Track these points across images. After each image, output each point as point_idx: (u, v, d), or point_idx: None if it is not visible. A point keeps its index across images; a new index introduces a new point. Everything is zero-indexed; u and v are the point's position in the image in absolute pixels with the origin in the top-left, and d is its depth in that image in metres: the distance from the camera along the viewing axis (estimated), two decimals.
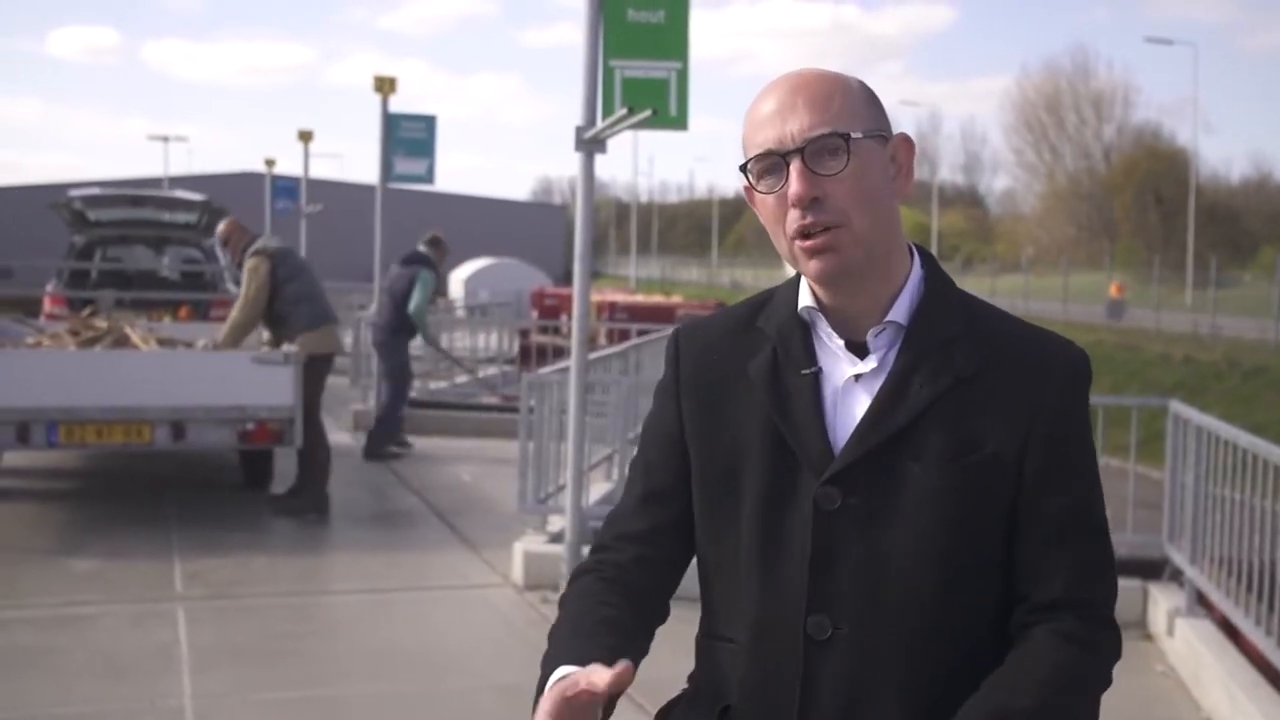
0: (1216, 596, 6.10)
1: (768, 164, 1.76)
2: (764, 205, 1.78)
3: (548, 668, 1.74)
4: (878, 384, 1.77)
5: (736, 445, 1.82)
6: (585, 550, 7.06)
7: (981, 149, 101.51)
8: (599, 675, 1.60)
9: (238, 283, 12.53)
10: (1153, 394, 17.74)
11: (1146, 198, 62.19)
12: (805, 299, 1.83)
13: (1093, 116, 67.31)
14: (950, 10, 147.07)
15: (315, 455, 8.94)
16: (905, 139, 1.82)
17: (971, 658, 1.74)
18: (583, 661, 1.68)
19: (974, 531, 1.75)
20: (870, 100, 1.80)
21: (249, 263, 8.85)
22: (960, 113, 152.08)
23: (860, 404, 1.78)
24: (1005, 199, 79.15)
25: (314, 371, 8.87)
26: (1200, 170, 58.01)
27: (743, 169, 1.79)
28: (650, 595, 1.89)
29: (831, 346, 1.81)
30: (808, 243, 1.74)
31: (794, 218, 1.74)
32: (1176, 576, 6.76)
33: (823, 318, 1.81)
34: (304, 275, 9.14)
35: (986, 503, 1.75)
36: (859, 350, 1.80)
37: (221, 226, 9.40)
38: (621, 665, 1.58)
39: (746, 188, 1.83)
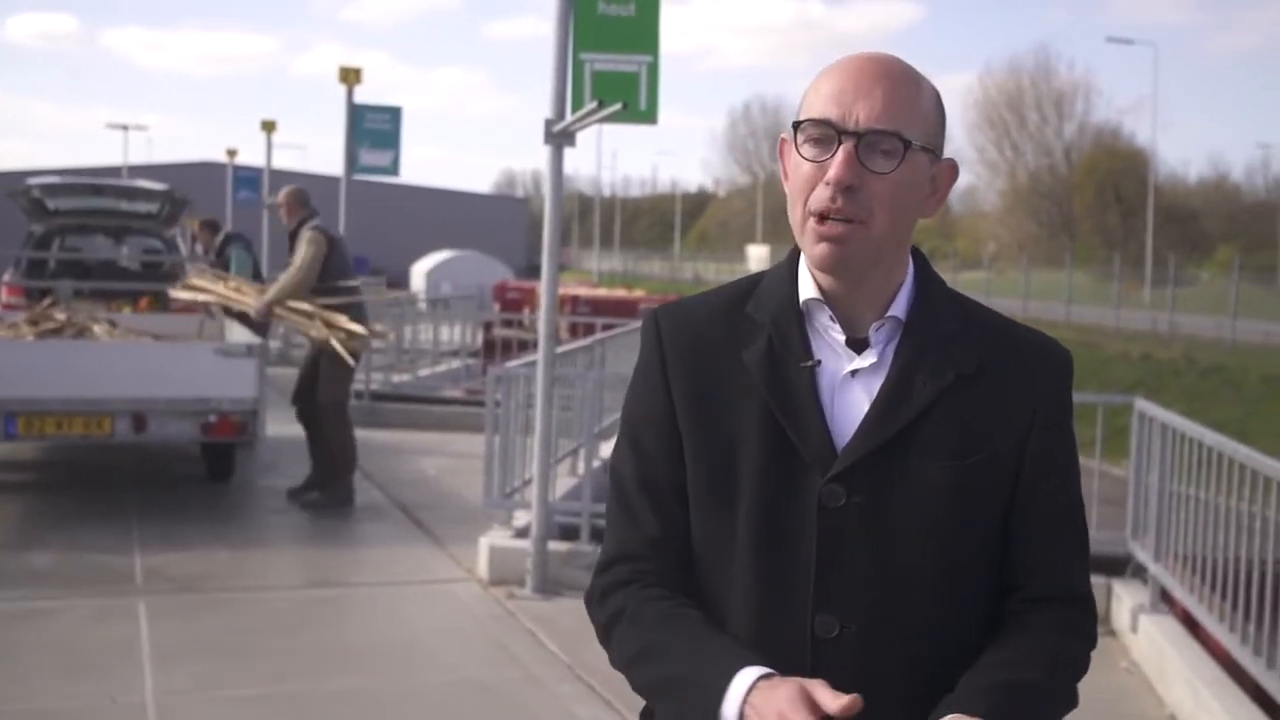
0: (1180, 593, 6.14)
1: (821, 133, 1.71)
2: (798, 170, 1.74)
3: (699, 667, 1.67)
4: (876, 380, 1.76)
5: (732, 435, 1.77)
6: (551, 545, 7.05)
7: (944, 146, 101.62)
8: (827, 696, 1.56)
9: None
10: (1112, 391, 17.88)
11: (1106, 196, 62.74)
12: (808, 290, 1.80)
13: (1054, 115, 67.75)
14: (915, 7, 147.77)
15: (344, 450, 8.96)
16: (952, 166, 1.81)
17: (970, 646, 1.75)
18: (742, 660, 1.65)
19: (976, 526, 1.76)
20: (940, 115, 1.78)
21: (308, 233, 8.78)
22: None
23: (858, 400, 1.76)
24: (967, 196, 79.35)
25: (347, 366, 8.91)
26: (1159, 170, 58.57)
27: (794, 126, 1.75)
28: (692, 593, 1.83)
29: (829, 340, 1.78)
30: (823, 227, 1.71)
31: (822, 196, 1.70)
32: (1140, 573, 6.80)
33: (824, 310, 1.79)
34: (350, 273, 9.26)
35: (988, 498, 1.76)
36: (854, 345, 1.78)
37: (283, 194, 9.18)
38: (852, 697, 1.55)
39: (783, 140, 1.79)
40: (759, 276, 1.89)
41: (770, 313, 1.80)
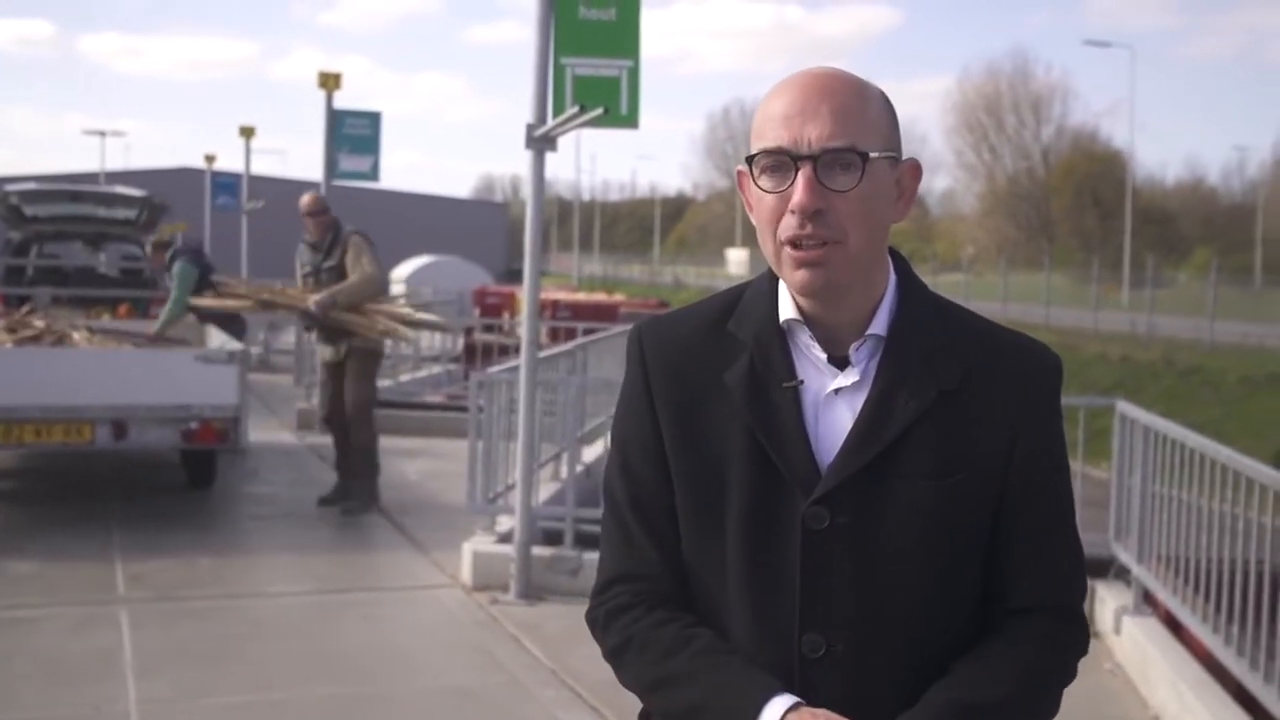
0: (1163, 595, 6.16)
1: (775, 162, 1.68)
2: (761, 203, 1.71)
3: (724, 697, 1.68)
4: (859, 398, 1.73)
5: (717, 456, 1.76)
6: (535, 550, 7.03)
7: (922, 149, 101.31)
8: None
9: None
10: (1091, 393, 17.94)
11: (1084, 199, 62.97)
12: (787, 310, 1.77)
13: (1031, 118, 67.95)
14: (893, 12, 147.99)
15: (374, 452, 9.11)
16: (915, 165, 1.78)
17: (959, 657, 1.74)
18: (768, 688, 1.66)
19: (962, 542, 1.74)
20: (891, 118, 1.75)
21: (356, 239, 8.97)
22: (902, 114, 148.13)
23: (842, 418, 1.73)
24: (945, 199, 79.61)
25: (374, 367, 9.10)
26: (1136, 172, 58.83)
27: (748, 160, 1.73)
28: (692, 610, 1.82)
29: (810, 358, 1.76)
30: (798, 253, 1.69)
31: (790, 224, 1.68)
32: (1123, 575, 6.82)
33: (805, 328, 1.76)
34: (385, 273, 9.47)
35: (975, 514, 1.74)
36: (837, 362, 1.76)
37: (317, 202, 9.18)
38: None
39: (740, 172, 1.77)
40: (741, 290, 1.87)
41: (752, 332, 1.78)
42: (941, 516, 1.71)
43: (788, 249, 1.69)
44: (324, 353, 9.33)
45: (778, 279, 1.80)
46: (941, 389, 1.72)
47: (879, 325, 1.75)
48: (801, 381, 1.75)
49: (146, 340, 9.81)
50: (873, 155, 1.67)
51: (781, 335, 1.77)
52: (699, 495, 1.78)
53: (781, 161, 1.68)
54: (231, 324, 10.59)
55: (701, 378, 1.79)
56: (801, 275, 1.69)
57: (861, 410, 1.72)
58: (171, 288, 10.66)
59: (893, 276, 1.80)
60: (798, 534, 1.71)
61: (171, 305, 10.37)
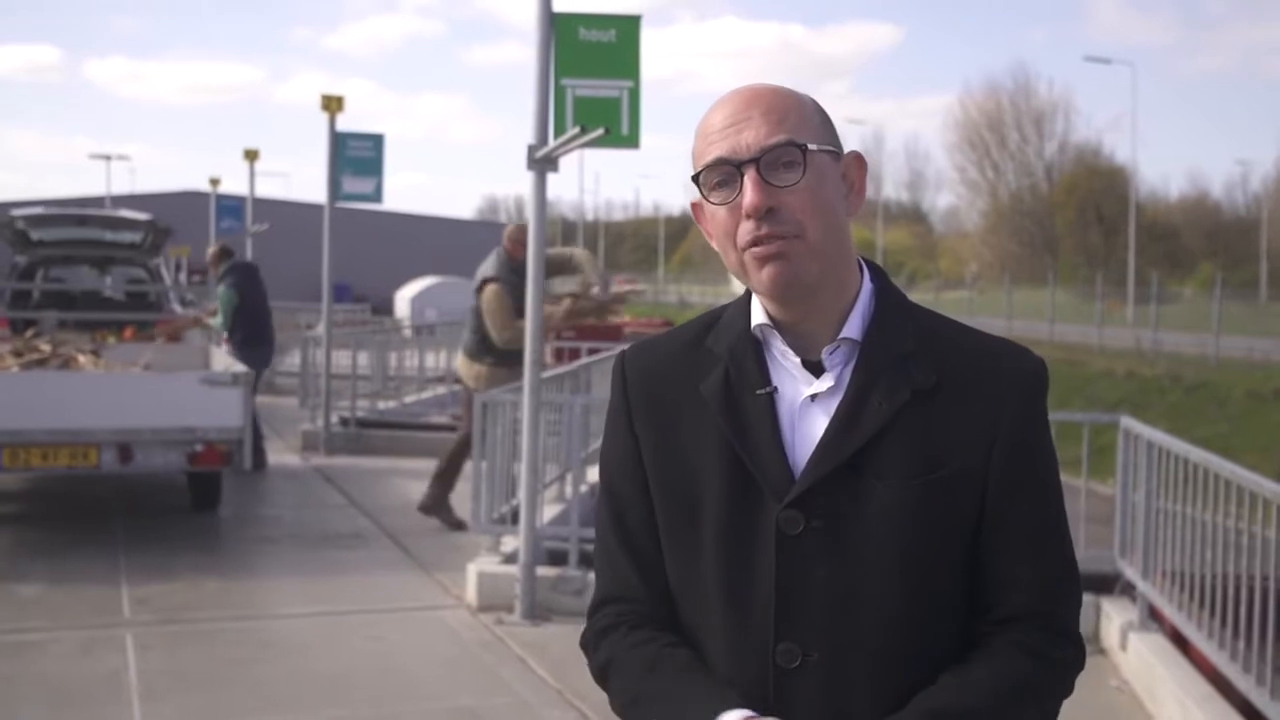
0: (1169, 610, 6.14)
1: (721, 175, 1.71)
2: (715, 218, 1.73)
3: (679, 716, 1.69)
4: (835, 402, 1.73)
5: (694, 469, 1.77)
6: (540, 571, 7.01)
7: (925, 167, 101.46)
8: None
9: (183, 303, 12.44)
10: (1097, 409, 17.93)
11: (1087, 215, 63.04)
12: (758, 316, 1.78)
13: (1034, 134, 68.13)
14: (895, 30, 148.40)
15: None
16: (857, 157, 1.79)
17: (940, 669, 1.72)
18: (722, 703, 1.66)
19: (940, 546, 1.71)
20: (823, 117, 1.77)
21: None
22: (904, 131, 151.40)
23: (818, 424, 1.73)
24: (949, 216, 79.86)
25: None
26: (1139, 188, 58.87)
27: (695, 180, 1.75)
28: (676, 629, 1.83)
29: (786, 365, 1.77)
30: (759, 249, 1.70)
31: (747, 229, 1.69)
32: (1128, 591, 6.81)
33: (777, 335, 1.77)
34: None
35: (952, 517, 1.72)
36: (813, 369, 1.76)
37: (521, 229, 9.32)
38: None
39: (694, 203, 1.79)
40: (721, 310, 1.89)
41: (727, 343, 1.80)
42: (919, 518, 1.69)
43: (749, 251, 1.71)
44: (496, 374, 9.03)
45: (752, 293, 1.82)
46: (916, 390, 1.72)
47: (852, 329, 1.76)
48: (775, 389, 1.76)
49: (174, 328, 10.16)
50: (811, 147, 1.70)
51: (756, 344, 1.79)
52: (678, 510, 1.79)
53: (726, 172, 1.71)
54: (259, 350, 10.72)
55: (679, 393, 1.81)
56: (767, 272, 1.71)
57: (835, 413, 1.72)
58: (218, 310, 11.28)
59: (869, 284, 1.80)
60: (773, 540, 1.71)
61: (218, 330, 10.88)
